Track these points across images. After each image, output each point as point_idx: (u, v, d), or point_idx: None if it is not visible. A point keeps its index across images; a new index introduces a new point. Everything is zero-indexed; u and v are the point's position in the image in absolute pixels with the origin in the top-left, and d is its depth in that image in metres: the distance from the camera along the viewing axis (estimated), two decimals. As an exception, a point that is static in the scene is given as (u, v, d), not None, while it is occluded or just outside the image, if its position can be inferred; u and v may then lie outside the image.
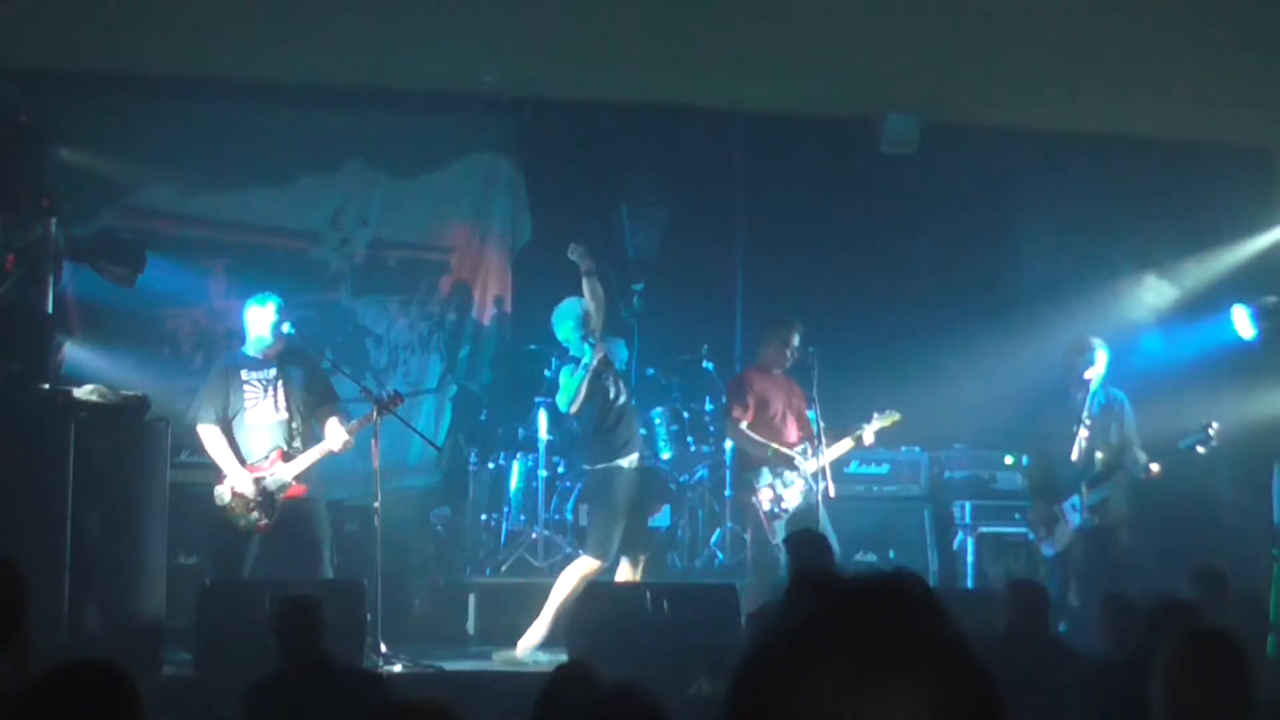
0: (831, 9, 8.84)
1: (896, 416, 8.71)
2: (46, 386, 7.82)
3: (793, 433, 8.74)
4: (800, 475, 8.53)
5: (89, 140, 9.68)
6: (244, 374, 8.13)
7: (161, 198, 10.18)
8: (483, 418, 10.26)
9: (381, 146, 10.60)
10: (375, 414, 7.97)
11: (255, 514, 7.92)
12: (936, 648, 1.29)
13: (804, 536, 7.19)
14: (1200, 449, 8.46)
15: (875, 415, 8.66)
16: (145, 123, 9.99)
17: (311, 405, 8.22)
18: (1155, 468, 8.49)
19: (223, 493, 7.93)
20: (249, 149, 10.23)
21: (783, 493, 8.50)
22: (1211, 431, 8.43)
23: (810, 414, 8.74)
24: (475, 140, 10.78)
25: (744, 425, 8.74)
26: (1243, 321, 9.47)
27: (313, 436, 8.20)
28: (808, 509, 8.42)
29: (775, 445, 8.60)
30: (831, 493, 8.47)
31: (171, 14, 8.76)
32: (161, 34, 8.99)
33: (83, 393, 7.63)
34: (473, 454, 10.04)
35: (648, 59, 9.68)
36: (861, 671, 1.25)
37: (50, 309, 8.20)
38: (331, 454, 8.06)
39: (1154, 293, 10.24)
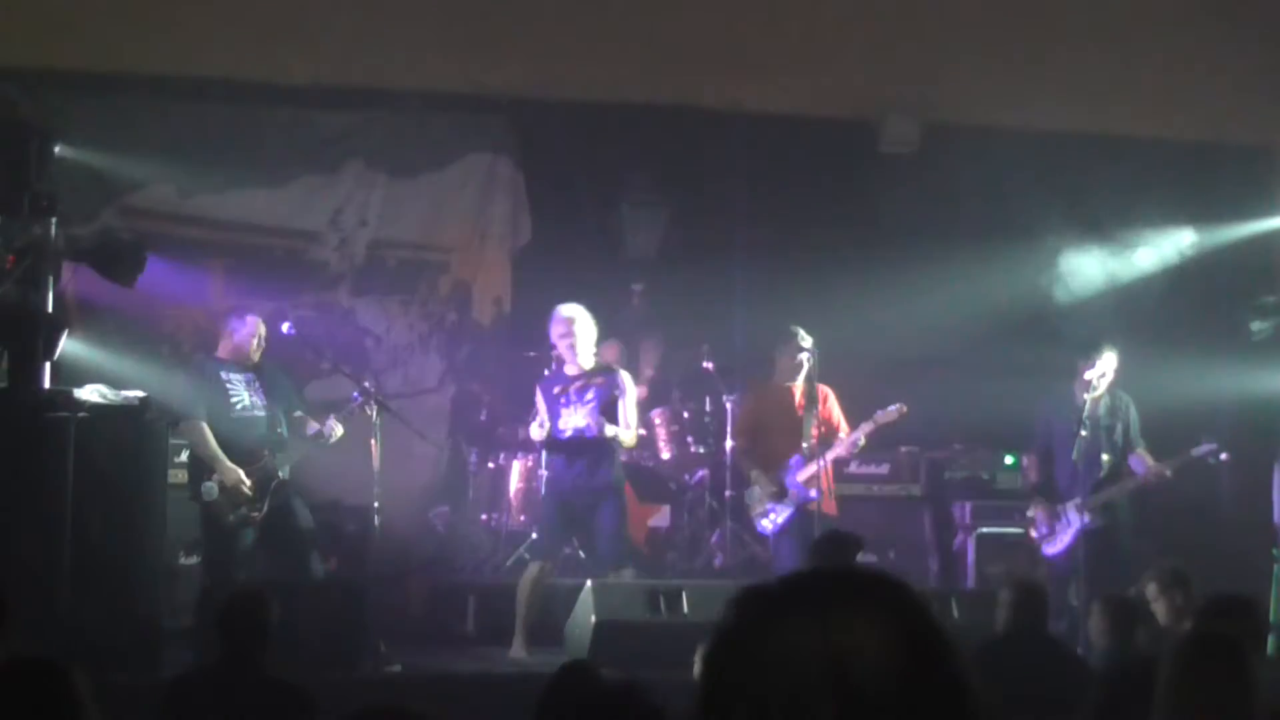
0: (831, 9, 8.85)
1: (903, 410, 8.58)
2: (47, 386, 7.82)
3: (788, 450, 8.61)
4: (784, 493, 8.47)
5: (89, 140, 9.67)
6: (224, 374, 8.19)
7: (161, 198, 10.18)
8: (483, 418, 10.25)
9: (381, 146, 10.60)
10: (364, 404, 8.03)
11: (244, 508, 7.96)
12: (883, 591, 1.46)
13: (828, 538, 7.09)
14: (1210, 459, 8.45)
15: (879, 412, 8.58)
16: (145, 123, 9.99)
17: (287, 408, 8.31)
18: (1168, 472, 8.48)
19: (210, 488, 7.95)
20: (249, 149, 10.23)
21: (776, 507, 8.49)
22: (1222, 444, 8.44)
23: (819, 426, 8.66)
24: (475, 140, 10.78)
25: (743, 449, 8.77)
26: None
27: (294, 433, 8.27)
28: (804, 520, 8.37)
29: (758, 472, 8.56)
30: (825, 506, 8.41)
31: (172, 14, 8.77)
32: (161, 34, 8.99)
33: (83, 393, 7.62)
34: (472, 454, 10.04)
35: (648, 59, 9.68)
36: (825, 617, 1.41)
37: (50, 309, 8.19)
38: (321, 439, 8.11)
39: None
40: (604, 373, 8.24)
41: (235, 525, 7.96)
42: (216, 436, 8.04)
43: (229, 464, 7.96)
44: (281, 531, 8.07)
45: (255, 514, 7.98)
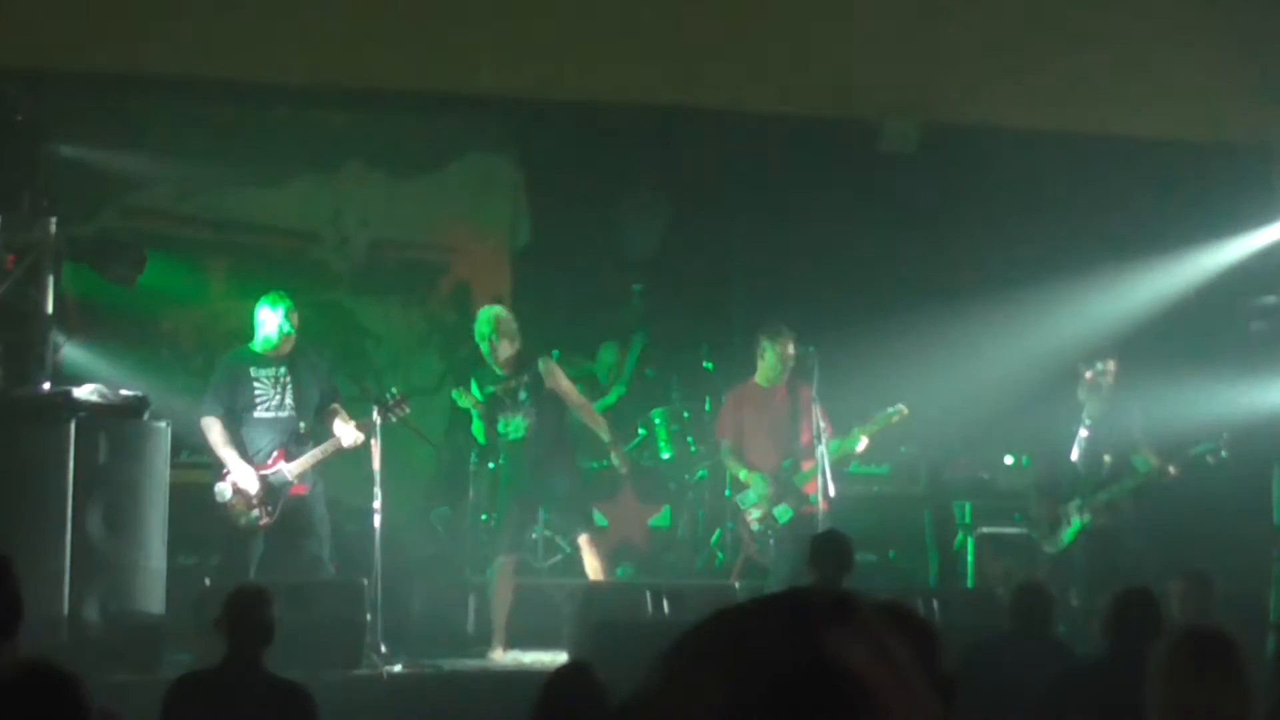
0: (831, 10, 8.85)
1: (904, 411, 8.59)
2: (47, 386, 7.82)
3: (776, 452, 8.64)
4: (779, 494, 8.48)
5: (89, 140, 9.68)
6: (253, 371, 8.09)
7: (161, 198, 10.20)
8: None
9: (381, 146, 10.61)
10: (377, 416, 7.95)
11: (256, 512, 7.90)
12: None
13: (824, 541, 7.08)
14: (1210, 459, 8.42)
15: (876, 415, 8.58)
16: (145, 123, 10.01)
17: (318, 404, 8.20)
18: (1173, 469, 8.46)
19: (223, 489, 7.89)
20: (249, 149, 10.23)
21: (770, 510, 8.49)
22: (1221, 443, 8.40)
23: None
24: (475, 140, 10.80)
25: (727, 447, 8.74)
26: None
27: (318, 435, 8.18)
28: (799, 521, 8.36)
29: (744, 470, 8.56)
30: (831, 491, 8.42)
31: (172, 14, 8.77)
32: (161, 34, 8.99)
33: (83, 393, 7.62)
34: (472, 454, 10.03)
35: (648, 59, 9.69)
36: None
37: (50, 309, 8.20)
38: (341, 451, 8.02)
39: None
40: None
41: (247, 529, 7.92)
42: (235, 437, 8.01)
43: (239, 465, 7.92)
44: (294, 535, 8.01)
45: (265, 520, 7.93)
